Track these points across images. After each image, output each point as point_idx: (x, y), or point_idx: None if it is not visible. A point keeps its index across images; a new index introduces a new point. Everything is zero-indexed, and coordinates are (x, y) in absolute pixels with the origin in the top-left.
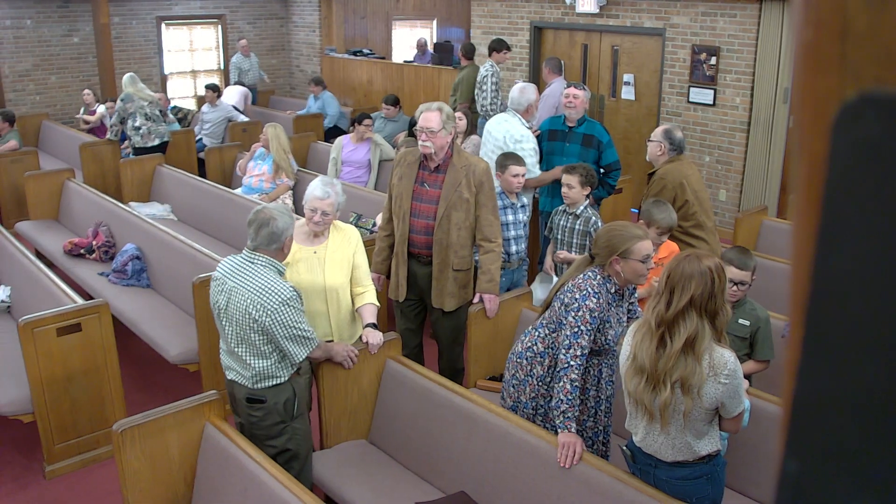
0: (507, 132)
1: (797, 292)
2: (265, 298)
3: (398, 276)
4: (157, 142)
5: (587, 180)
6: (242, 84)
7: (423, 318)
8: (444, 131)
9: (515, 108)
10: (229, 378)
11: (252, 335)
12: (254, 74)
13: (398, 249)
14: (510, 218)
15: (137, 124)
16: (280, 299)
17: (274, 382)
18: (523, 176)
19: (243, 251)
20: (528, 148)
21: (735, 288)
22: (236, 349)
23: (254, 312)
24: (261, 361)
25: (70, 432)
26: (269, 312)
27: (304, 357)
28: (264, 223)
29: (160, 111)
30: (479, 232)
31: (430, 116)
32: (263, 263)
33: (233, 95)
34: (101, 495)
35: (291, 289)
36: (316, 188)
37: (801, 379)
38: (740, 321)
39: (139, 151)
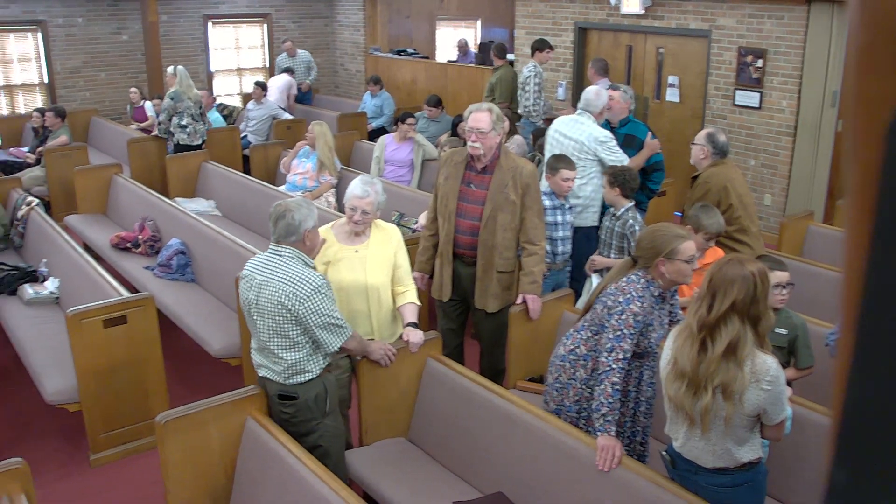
0: (590, 134)
1: (849, 299)
2: (297, 287)
3: (442, 276)
4: (199, 141)
5: (615, 180)
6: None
7: (465, 318)
8: (493, 132)
9: (591, 110)
10: (261, 375)
11: (286, 326)
12: (298, 75)
13: (443, 249)
14: (559, 218)
15: (184, 123)
16: (312, 287)
17: (305, 378)
18: (573, 180)
19: (269, 247)
20: (613, 146)
21: (782, 291)
22: (269, 342)
23: (286, 302)
24: (293, 353)
25: (114, 422)
26: (301, 300)
27: (337, 345)
28: (280, 216)
29: (200, 111)
30: (524, 234)
31: (480, 117)
32: (290, 255)
33: (276, 85)
34: (143, 485)
35: (321, 277)
36: (356, 187)
37: (851, 387)
38: (777, 330)
39: (181, 149)
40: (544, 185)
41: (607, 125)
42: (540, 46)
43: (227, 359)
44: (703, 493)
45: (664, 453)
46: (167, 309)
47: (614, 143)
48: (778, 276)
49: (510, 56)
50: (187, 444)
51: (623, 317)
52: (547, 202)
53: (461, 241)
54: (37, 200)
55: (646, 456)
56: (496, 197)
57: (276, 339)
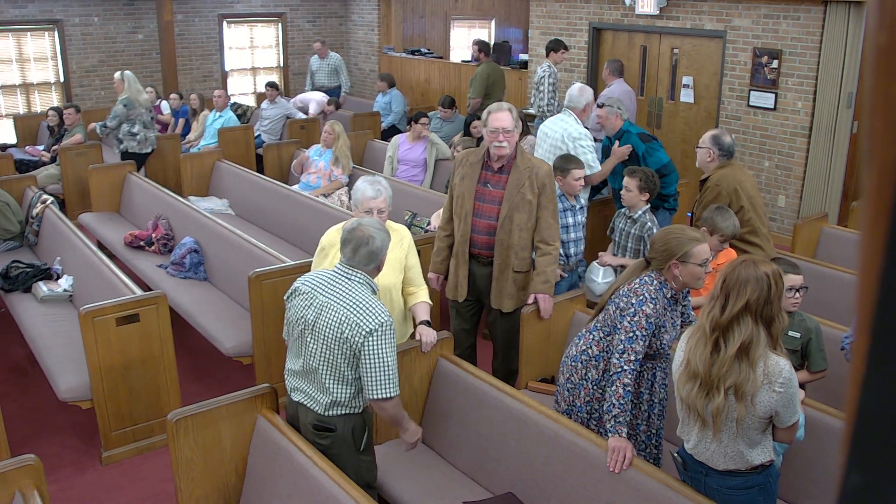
0: (565, 131)
1: (864, 302)
2: (362, 318)
3: (458, 276)
4: (149, 149)
5: (646, 185)
6: (318, 90)
7: (479, 318)
8: (515, 130)
9: (573, 107)
10: (295, 400)
11: (339, 357)
12: (321, 77)
13: (459, 249)
14: (570, 220)
15: (135, 130)
16: (378, 322)
17: (347, 412)
18: (584, 179)
19: (335, 266)
20: (586, 146)
21: (796, 294)
22: (319, 368)
23: (347, 331)
24: (342, 388)
25: (126, 420)
26: (363, 334)
27: (379, 395)
28: (363, 242)
29: (151, 117)
30: (538, 234)
31: (503, 117)
32: (360, 281)
33: (315, 98)
34: (154, 482)
35: (388, 314)
36: (366, 190)
37: (866, 390)
38: (790, 333)
39: (128, 157)
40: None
41: (607, 140)
42: (554, 47)
43: (238, 357)
44: (714, 495)
45: (675, 455)
46: (180, 307)
47: (588, 141)
48: (791, 280)
49: (524, 56)
50: (199, 441)
51: (635, 318)
52: (558, 204)
53: (477, 240)
54: (51, 198)
55: (660, 459)
56: (513, 197)
57: (327, 368)
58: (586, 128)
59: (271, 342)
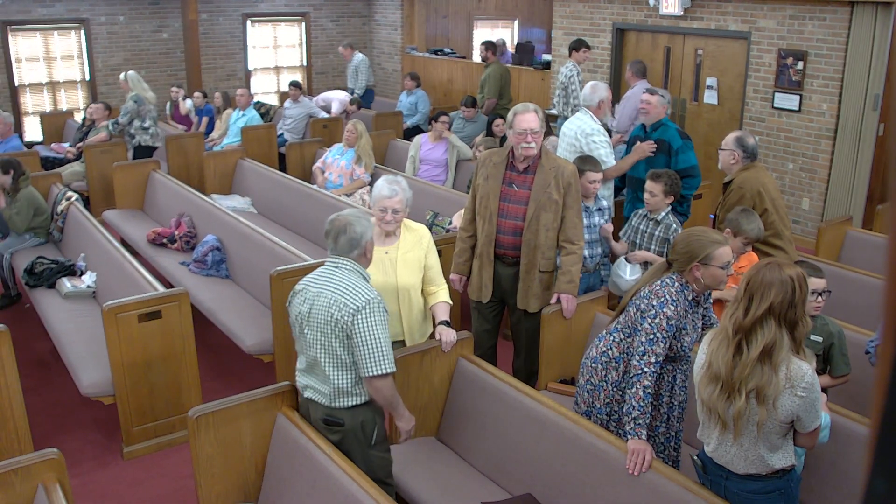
0: (579, 128)
1: (891, 306)
2: (348, 297)
3: (482, 277)
4: (161, 143)
5: (671, 189)
6: (346, 89)
7: (501, 319)
8: (542, 130)
9: (588, 105)
10: (305, 396)
11: (334, 342)
12: (348, 79)
13: (483, 250)
14: (584, 221)
15: (147, 125)
16: (364, 299)
17: (351, 402)
18: (600, 182)
19: (325, 261)
20: (599, 141)
21: (818, 298)
22: (319, 358)
23: (336, 313)
24: (342, 375)
25: (148, 416)
26: (350, 312)
27: (373, 372)
28: (341, 230)
29: (157, 114)
30: (563, 233)
31: (530, 118)
32: (348, 268)
33: (338, 98)
34: (175, 478)
35: (376, 293)
36: (383, 188)
37: (891, 394)
38: (812, 337)
39: (142, 150)
40: None
41: (641, 129)
42: (577, 46)
43: (259, 355)
44: (733, 499)
45: (695, 458)
46: (201, 304)
47: (601, 137)
48: (814, 283)
49: (547, 56)
50: (219, 438)
51: (656, 320)
52: None
53: (503, 241)
54: (76, 195)
55: (679, 461)
56: (540, 197)
57: (325, 356)
58: (605, 126)
59: (292, 340)
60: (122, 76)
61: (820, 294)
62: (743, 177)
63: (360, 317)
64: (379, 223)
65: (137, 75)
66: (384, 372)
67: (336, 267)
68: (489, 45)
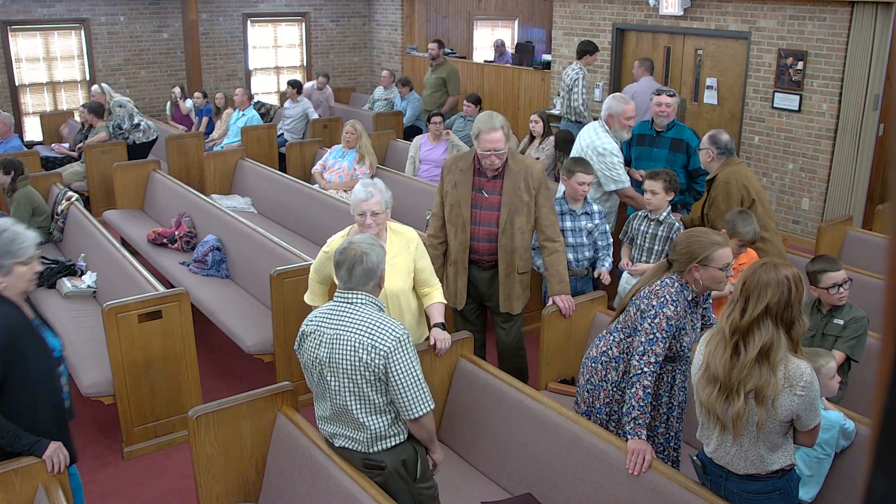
0: (591, 143)
1: (892, 306)
2: (376, 338)
3: (457, 285)
4: (155, 136)
5: (671, 186)
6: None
7: (485, 318)
8: (507, 142)
9: (608, 114)
10: (337, 446)
11: (365, 387)
12: (379, 107)
13: (457, 258)
14: (567, 224)
15: (137, 122)
16: (395, 337)
17: (392, 444)
18: (589, 185)
19: (335, 295)
20: (611, 163)
21: (840, 290)
22: (350, 405)
23: (365, 357)
24: (377, 420)
25: (148, 416)
26: (382, 355)
27: (419, 413)
28: (357, 261)
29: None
30: (541, 233)
31: (496, 137)
32: (363, 302)
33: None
34: (175, 478)
35: (402, 326)
36: (358, 192)
37: (892, 395)
38: (835, 320)
39: (139, 148)
40: (560, 188)
41: (653, 129)
42: (588, 49)
43: (259, 355)
44: (733, 499)
45: (695, 458)
46: (202, 304)
47: (614, 158)
48: (833, 277)
49: (547, 56)
50: (219, 438)
51: (656, 320)
52: (555, 207)
53: (478, 248)
54: (76, 195)
55: (679, 461)
56: (511, 201)
57: (355, 403)
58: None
59: (292, 340)
60: (94, 88)
61: (840, 285)
62: (726, 172)
63: (394, 358)
64: (361, 228)
65: (109, 86)
66: (428, 411)
67: (350, 303)
68: (441, 44)
